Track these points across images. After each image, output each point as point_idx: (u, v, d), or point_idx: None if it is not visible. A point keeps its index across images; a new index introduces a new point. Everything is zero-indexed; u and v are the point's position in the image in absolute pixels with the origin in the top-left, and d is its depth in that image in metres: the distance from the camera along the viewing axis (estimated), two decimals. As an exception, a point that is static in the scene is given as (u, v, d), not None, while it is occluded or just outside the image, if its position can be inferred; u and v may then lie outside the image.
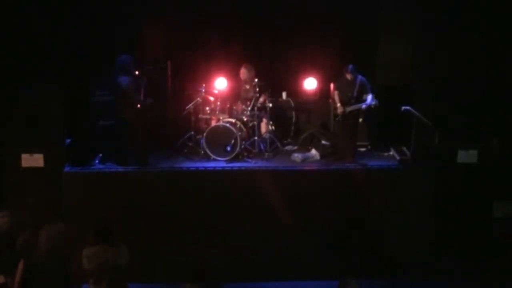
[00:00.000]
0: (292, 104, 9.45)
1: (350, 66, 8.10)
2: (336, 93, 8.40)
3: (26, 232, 5.61)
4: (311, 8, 9.30)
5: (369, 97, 8.07)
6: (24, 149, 7.53)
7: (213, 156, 8.29)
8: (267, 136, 8.75)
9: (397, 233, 7.80)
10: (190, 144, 8.66)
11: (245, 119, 8.69)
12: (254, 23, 9.50)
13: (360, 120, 8.50)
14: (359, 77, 8.18)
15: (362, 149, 8.84)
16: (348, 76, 8.17)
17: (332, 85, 8.75)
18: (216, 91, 8.92)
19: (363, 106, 8.11)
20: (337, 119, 8.36)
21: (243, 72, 8.87)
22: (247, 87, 8.90)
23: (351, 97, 8.18)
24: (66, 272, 5.08)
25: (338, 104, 8.29)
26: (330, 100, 8.82)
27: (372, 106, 8.08)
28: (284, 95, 9.53)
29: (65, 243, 5.07)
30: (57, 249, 4.99)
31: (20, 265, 5.15)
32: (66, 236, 5.14)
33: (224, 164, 8.15)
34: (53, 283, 4.99)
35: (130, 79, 7.70)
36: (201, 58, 9.42)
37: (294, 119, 9.45)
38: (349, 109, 8.21)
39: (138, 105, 7.77)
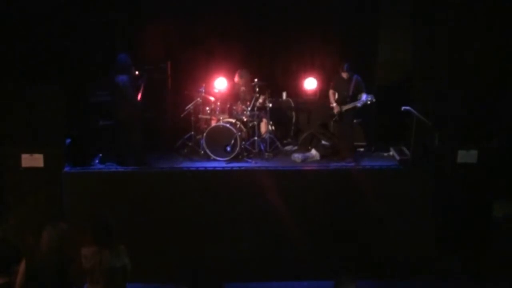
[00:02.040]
0: (292, 104, 9.46)
1: (346, 65, 8.13)
2: (331, 92, 8.43)
3: (28, 232, 5.61)
4: (311, 8, 9.30)
5: (364, 95, 8.08)
6: (24, 149, 7.53)
7: (213, 156, 8.30)
8: (267, 136, 8.75)
9: (397, 233, 7.79)
10: (190, 144, 8.66)
11: (245, 119, 8.70)
12: (254, 23, 9.50)
13: (355, 121, 8.51)
14: (355, 75, 8.21)
15: (361, 149, 8.84)
16: (344, 75, 8.20)
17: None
18: (216, 91, 8.92)
19: (359, 104, 8.12)
20: (334, 119, 8.38)
21: (237, 79, 8.93)
22: (244, 88, 8.93)
23: (347, 95, 8.20)
24: (68, 273, 5.08)
25: (334, 104, 8.32)
26: (330, 100, 8.83)
27: (369, 102, 8.07)
28: (284, 95, 9.53)
29: (67, 244, 5.06)
30: (59, 249, 4.98)
31: (22, 265, 5.15)
32: (68, 237, 5.13)
33: (224, 164, 8.15)
34: (55, 283, 4.98)
35: (128, 78, 7.71)
36: (201, 58, 9.42)
37: (294, 119, 9.46)
38: (345, 108, 8.23)
39: (136, 105, 7.81)
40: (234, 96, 9.04)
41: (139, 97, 7.94)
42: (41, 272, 5.04)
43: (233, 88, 9.17)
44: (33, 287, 5.10)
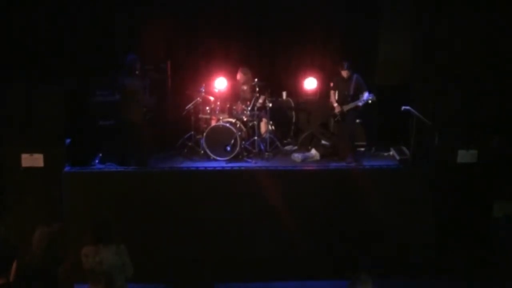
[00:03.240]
0: (292, 104, 9.46)
1: (346, 63, 8.11)
2: (332, 93, 8.43)
3: (28, 232, 5.58)
4: (311, 8, 9.30)
5: (366, 94, 8.07)
6: (24, 149, 7.53)
7: (213, 156, 8.30)
8: (267, 136, 8.74)
9: (397, 233, 7.79)
10: (190, 144, 8.66)
11: (245, 119, 8.70)
12: (254, 23, 9.50)
13: (358, 121, 8.51)
14: (355, 75, 8.20)
15: (362, 149, 8.84)
16: (344, 73, 8.19)
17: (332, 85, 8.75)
18: (216, 91, 8.92)
19: (360, 103, 8.11)
20: (335, 119, 8.37)
21: (240, 76, 8.94)
22: (245, 87, 8.93)
23: (348, 95, 8.19)
24: (56, 273, 5.06)
25: (335, 104, 8.31)
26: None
27: (370, 101, 8.06)
28: (284, 95, 9.53)
29: (57, 244, 5.04)
30: (48, 249, 4.96)
31: (14, 264, 5.13)
32: (59, 237, 5.10)
33: (224, 164, 8.15)
34: (43, 283, 4.96)
35: (137, 80, 7.74)
36: (201, 58, 9.42)
37: (294, 119, 9.46)
38: (346, 107, 8.22)
39: (146, 106, 7.81)
40: (234, 96, 9.04)
41: (148, 97, 7.99)
42: (29, 271, 5.03)
43: (234, 87, 9.17)
44: (22, 286, 5.08)
